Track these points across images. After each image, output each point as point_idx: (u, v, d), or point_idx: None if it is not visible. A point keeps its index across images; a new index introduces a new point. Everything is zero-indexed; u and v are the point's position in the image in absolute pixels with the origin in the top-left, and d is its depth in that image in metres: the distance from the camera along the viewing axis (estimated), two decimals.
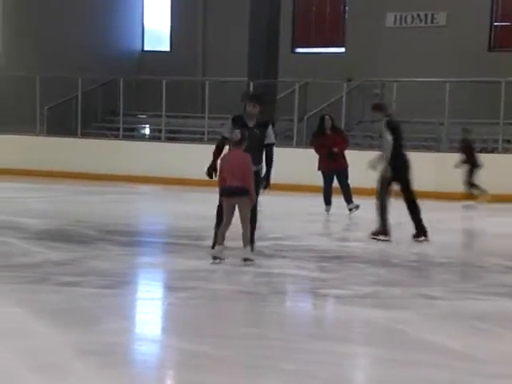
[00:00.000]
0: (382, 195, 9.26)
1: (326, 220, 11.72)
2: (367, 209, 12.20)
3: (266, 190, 7.98)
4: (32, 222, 9.93)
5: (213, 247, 7.69)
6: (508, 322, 5.72)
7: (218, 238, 7.42)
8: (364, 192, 13.33)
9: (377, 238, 9.14)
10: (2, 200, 12.92)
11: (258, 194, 7.77)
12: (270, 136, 7.92)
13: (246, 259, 7.37)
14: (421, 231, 9.16)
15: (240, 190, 7.28)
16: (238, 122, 7.85)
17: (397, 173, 9.12)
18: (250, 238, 7.49)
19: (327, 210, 11.93)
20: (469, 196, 13.47)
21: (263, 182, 7.90)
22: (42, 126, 18.72)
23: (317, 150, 12.05)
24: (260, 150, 7.81)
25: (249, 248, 7.41)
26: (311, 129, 17.77)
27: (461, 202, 13.20)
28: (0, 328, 5.08)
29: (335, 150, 11.77)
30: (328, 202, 11.95)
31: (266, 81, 16.93)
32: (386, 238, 9.12)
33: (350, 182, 11.87)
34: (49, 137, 18.40)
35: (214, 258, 7.38)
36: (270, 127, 7.97)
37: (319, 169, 12.03)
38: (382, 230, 9.15)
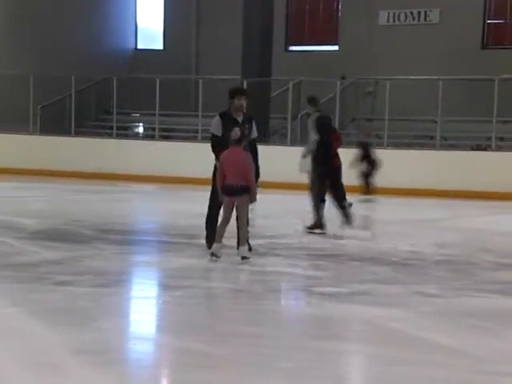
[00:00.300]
0: (314, 191, 9.76)
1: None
2: (361, 206, 12.22)
3: (258, 186, 7.94)
4: (27, 221, 9.90)
5: (209, 246, 7.68)
6: (503, 318, 5.74)
7: (217, 235, 7.41)
8: (358, 190, 13.32)
9: (312, 231, 9.56)
10: None
11: None
12: (255, 130, 7.91)
13: (243, 257, 7.37)
14: (349, 218, 9.67)
15: (241, 188, 7.29)
16: (228, 118, 7.74)
17: (323, 169, 9.62)
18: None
19: (321, 209, 11.91)
20: (366, 190, 13.58)
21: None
22: (35, 124, 18.67)
23: None
24: (248, 146, 7.77)
25: (246, 246, 7.41)
26: (305, 127, 17.81)
27: (360, 196, 13.28)
28: None
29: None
30: (322, 200, 11.94)
31: (260, 79, 16.93)
32: (322, 231, 9.55)
33: (343, 180, 11.86)
34: (42, 136, 18.36)
35: (212, 255, 7.38)
36: (254, 122, 7.96)
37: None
38: (318, 224, 9.59)
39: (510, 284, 6.94)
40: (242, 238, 7.39)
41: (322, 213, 9.70)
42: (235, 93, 7.83)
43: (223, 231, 7.40)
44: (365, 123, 14.69)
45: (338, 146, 12.03)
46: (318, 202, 9.76)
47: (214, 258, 7.34)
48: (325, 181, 9.86)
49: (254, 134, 7.91)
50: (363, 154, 13.71)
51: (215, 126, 7.78)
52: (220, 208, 7.69)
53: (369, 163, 13.55)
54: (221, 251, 7.39)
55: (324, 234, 9.54)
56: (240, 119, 7.79)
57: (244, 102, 7.78)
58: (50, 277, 6.56)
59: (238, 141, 7.34)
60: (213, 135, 7.80)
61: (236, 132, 7.35)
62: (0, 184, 15.34)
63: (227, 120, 7.71)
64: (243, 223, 7.38)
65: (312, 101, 9.89)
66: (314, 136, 9.49)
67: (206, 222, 7.94)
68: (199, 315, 5.71)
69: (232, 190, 7.30)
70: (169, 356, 4.75)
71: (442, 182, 14.98)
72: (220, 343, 4.90)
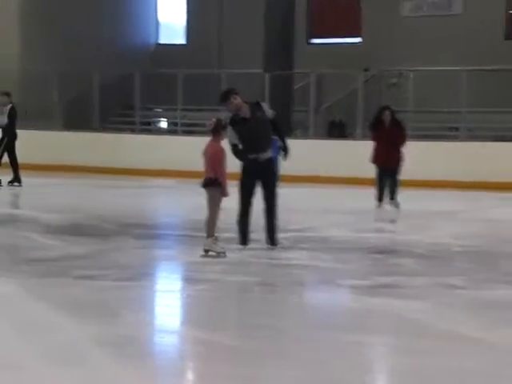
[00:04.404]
0: None
1: (344, 211, 11.65)
2: (387, 199, 12.11)
3: (287, 157, 7.87)
4: (51, 216, 9.97)
5: (240, 242, 7.73)
6: None
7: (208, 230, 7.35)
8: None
9: None
10: (22, 195, 13.00)
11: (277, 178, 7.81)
12: (267, 112, 7.78)
13: (205, 250, 7.24)
14: None
15: (208, 181, 7.24)
16: (236, 121, 7.66)
17: None
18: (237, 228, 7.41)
19: (379, 208, 11.15)
20: None
21: (279, 154, 7.88)
22: (58, 120, 18.79)
23: (376, 144, 11.27)
24: (269, 132, 7.75)
25: (208, 239, 7.26)
26: (327, 120, 17.76)
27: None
28: (22, 321, 5.11)
29: (393, 146, 11.07)
30: (380, 198, 11.17)
31: (282, 72, 16.89)
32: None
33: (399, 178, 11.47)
34: (66, 131, 18.47)
35: (205, 251, 7.30)
36: (263, 104, 7.89)
37: (372, 161, 11.29)
38: None
39: None
40: (207, 230, 7.29)
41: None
42: (223, 101, 7.74)
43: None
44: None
45: (402, 144, 11.21)
46: None
47: (210, 253, 7.25)
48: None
49: (269, 114, 7.79)
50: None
51: (230, 135, 7.70)
52: (249, 204, 7.72)
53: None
54: (216, 245, 7.28)
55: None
56: (248, 114, 7.69)
57: (235, 101, 7.65)
58: (74, 271, 6.60)
59: (212, 131, 7.30)
60: (232, 145, 7.73)
61: (210, 122, 7.33)
62: (24, 179, 15.45)
63: (236, 123, 7.66)
64: (209, 216, 7.26)
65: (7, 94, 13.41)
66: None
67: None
68: (223, 308, 5.72)
69: (202, 183, 7.30)
70: (193, 349, 4.76)
71: (466, 174, 14.85)
72: (244, 336, 4.90)
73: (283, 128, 7.90)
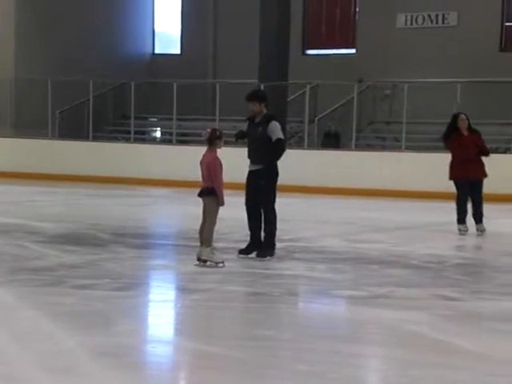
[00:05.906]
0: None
1: (338, 222, 11.69)
2: (382, 210, 12.18)
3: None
4: (45, 225, 9.96)
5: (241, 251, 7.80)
6: None
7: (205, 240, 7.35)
8: (378, 193, 13.27)
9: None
10: (17, 204, 12.98)
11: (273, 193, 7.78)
12: (274, 131, 7.69)
13: (200, 259, 7.26)
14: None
15: (205, 190, 7.25)
16: (251, 120, 7.94)
17: None
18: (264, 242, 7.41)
19: (463, 231, 9.91)
20: None
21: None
22: (54, 129, 18.80)
23: (455, 154, 9.93)
24: (262, 148, 7.70)
25: (206, 249, 7.26)
26: (321, 130, 17.80)
27: None
28: (15, 330, 5.09)
29: (479, 155, 9.86)
30: (463, 220, 9.87)
31: (277, 83, 16.93)
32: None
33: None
34: (61, 140, 18.47)
35: (198, 260, 7.29)
36: (273, 123, 7.72)
37: (451, 177, 10.00)
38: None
39: None
40: (203, 239, 7.28)
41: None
42: (247, 99, 7.88)
43: (201, 234, 7.33)
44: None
45: (487, 153, 10.00)
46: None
47: (205, 263, 7.26)
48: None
49: (275, 134, 7.69)
50: None
51: (246, 125, 8.07)
52: (249, 211, 7.77)
53: None
54: (216, 255, 7.30)
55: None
56: (258, 120, 7.84)
57: (253, 107, 7.79)
58: (68, 280, 6.58)
59: (208, 141, 7.34)
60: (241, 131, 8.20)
61: (205, 132, 7.38)
62: (19, 188, 15.43)
63: (250, 121, 7.94)
64: (208, 224, 7.25)
65: None
66: None
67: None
68: (217, 318, 5.71)
69: (200, 192, 7.32)
70: (187, 359, 4.75)
71: None
72: (237, 346, 4.89)
73: (278, 154, 7.73)
